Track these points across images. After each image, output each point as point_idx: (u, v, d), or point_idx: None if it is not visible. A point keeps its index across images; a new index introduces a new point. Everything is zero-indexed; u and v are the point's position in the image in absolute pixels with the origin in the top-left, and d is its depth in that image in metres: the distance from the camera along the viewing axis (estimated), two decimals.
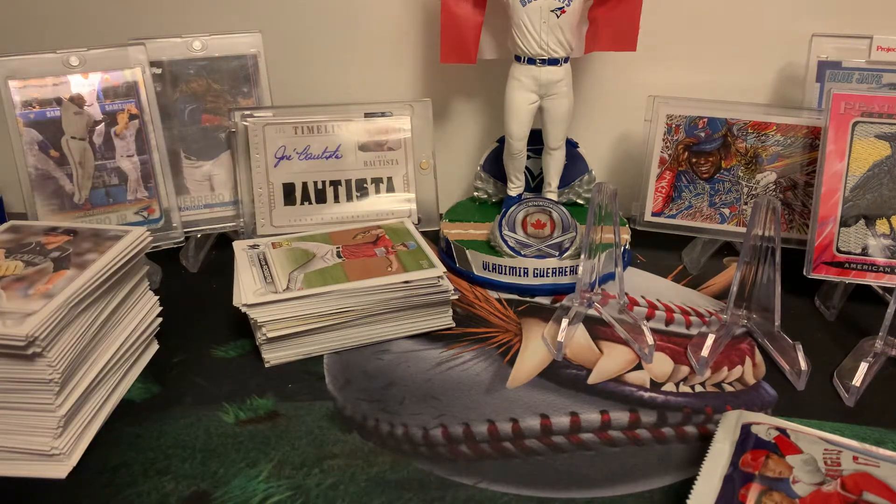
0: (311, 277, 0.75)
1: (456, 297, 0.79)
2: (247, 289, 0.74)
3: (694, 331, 0.80)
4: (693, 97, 0.92)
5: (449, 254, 0.92)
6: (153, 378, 0.73)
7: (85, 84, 0.87)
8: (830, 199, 0.82)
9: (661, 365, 0.75)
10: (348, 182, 0.95)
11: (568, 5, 0.82)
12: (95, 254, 0.67)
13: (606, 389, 0.71)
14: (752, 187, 0.92)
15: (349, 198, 0.95)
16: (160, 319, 0.76)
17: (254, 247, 0.82)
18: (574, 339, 0.79)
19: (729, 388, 0.72)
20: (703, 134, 0.92)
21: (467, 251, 0.89)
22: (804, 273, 0.82)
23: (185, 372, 0.74)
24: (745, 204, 0.92)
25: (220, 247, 0.98)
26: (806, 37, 0.92)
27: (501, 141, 0.95)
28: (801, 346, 0.73)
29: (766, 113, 0.90)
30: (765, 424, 0.59)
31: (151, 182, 0.91)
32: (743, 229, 0.90)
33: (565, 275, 0.86)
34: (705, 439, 0.62)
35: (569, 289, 0.85)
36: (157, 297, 0.76)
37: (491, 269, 0.88)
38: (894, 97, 0.80)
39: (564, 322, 0.76)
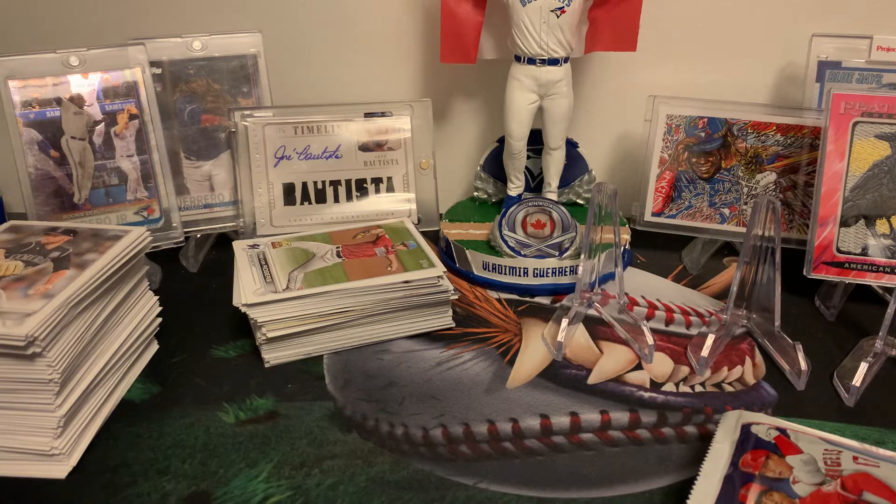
0: (311, 277, 0.75)
1: (456, 297, 0.79)
2: (247, 289, 0.74)
3: (694, 331, 0.80)
4: (693, 97, 0.92)
5: (449, 254, 0.92)
6: (153, 378, 0.73)
7: (85, 84, 0.87)
8: (830, 199, 0.82)
9: (661, 365, 0.75)
10: (348, 182, 0.95)
11: (568, 5, 0.82)
12: (95, 254, 0.67)
13: (606, 389, 0.71)
14: (752, 187, 0.92)
15: (349, 198, 0.95)
16: (160, 319, 0.76)
17: (254, 247, 0.82)
18: (574, 339, 0.79)
19: (729, 388, 0.72)
20: (703, 134, 0.92)
21: (467, 251, 0.89)
22: (804, 273, 0.82)
23: (185, 372, 0.74)
24: (745, 204, 0.92)
25: (220, 247, 0.98)
26: (806, 37, 0.92)
27: (501, 141, 0.95)
28: (801, 346, 0.73)
29: (766, 113, 0.90)
30: (765, 424, 0.59)
31: (151, 182, 0.91)
32: (743, 229, 0.90)
33: (565, 275, 0.86)
34: (705, 439, 0.62)
35: (569, 289, 0.85)
36: (157, 297, 0.76)
37: (491, 269, 0.88)
38: (894, 97, 0.80)
39: (564, 322, 0.76)
